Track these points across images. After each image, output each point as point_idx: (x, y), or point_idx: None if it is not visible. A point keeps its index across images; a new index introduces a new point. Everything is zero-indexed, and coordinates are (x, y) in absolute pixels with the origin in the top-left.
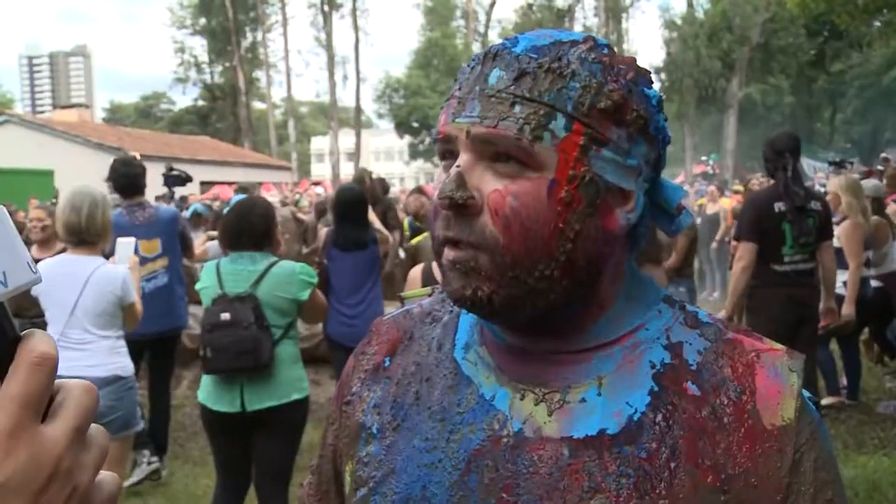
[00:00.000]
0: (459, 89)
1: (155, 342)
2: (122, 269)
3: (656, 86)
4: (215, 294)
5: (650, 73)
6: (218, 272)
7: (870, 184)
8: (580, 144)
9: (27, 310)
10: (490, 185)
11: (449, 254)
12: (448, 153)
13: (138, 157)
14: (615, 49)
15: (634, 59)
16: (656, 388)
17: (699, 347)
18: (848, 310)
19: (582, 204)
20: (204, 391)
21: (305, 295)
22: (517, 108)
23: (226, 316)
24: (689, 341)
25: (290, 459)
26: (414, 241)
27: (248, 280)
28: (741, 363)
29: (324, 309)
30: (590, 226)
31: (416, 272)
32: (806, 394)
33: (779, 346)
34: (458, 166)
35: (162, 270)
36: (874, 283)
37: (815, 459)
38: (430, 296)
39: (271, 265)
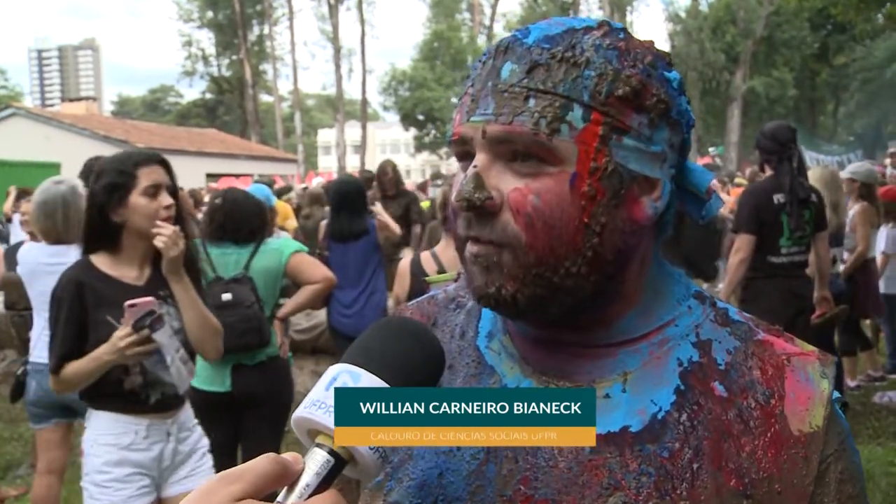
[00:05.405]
0: (472, 86)
1: None
2: None
3: None
4: (208, 277)
5: (669, 55)
6: (207, 256)
7: (863, 168)
8: (600, 134)
9: (17, 303)
10: (510, 183)
11: (472, 248)
12: (465, 154)
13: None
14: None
15: (652, 42)
16: (682, 387)
17: (729, 346)
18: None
19: (606, 196)
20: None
21: (290, 251)
22: (532, 102)
23: (227, 296)
24: (719, 339)
25: (276, 443)
26: (426, 204)
27: (239, 263)
28: (771, 365)
29: (320, 269)
30: (616, 218)
31: (405, 265)
32: (835, 394)
33: (810, 348)
34: (475, 166)
35: None
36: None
37: (840, 472)
38: (455, 281)
39: (259, 244)
